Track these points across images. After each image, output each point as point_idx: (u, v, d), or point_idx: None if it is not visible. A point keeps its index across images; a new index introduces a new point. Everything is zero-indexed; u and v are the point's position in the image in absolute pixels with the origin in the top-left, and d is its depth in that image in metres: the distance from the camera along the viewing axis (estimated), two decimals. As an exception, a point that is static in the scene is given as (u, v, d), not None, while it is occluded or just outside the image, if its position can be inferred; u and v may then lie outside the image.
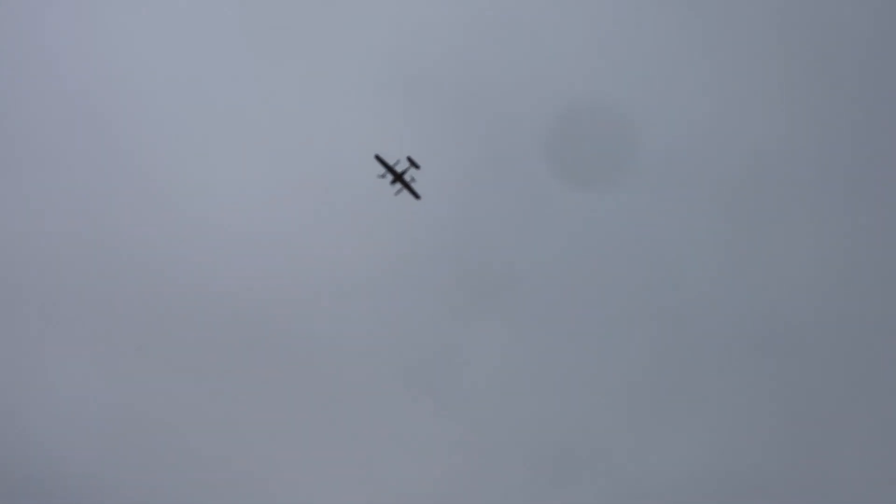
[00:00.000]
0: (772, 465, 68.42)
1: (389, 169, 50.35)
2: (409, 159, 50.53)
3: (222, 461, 64.47)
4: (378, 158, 50.34)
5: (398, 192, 51.13)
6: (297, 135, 66.19)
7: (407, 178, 50.69)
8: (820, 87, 69.97)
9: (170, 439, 63.98)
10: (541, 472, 68.95)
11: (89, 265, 64.86)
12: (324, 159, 65.20)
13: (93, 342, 64.13)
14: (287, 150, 66.28)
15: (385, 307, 68.36)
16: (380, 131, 61.38)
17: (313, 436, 66.45)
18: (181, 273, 65.33)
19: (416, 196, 51.46)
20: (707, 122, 70.45)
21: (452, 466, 68.09)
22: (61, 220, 64.76)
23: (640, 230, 71.24)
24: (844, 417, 68.32)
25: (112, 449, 62.94)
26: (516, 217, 70.27)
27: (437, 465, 67.80)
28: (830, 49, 69.79)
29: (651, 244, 71.50)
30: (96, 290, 64.78)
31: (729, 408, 69.80)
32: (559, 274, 70.95)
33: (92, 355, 63.87)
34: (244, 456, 64.95)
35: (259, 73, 67.16)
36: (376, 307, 68.08)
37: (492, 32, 69.27)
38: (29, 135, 65.08)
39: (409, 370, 68.94)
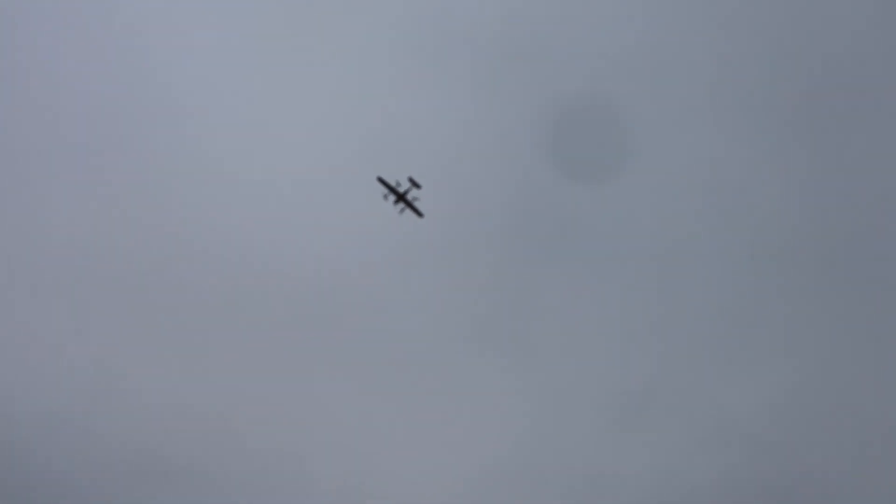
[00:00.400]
0: (857, 394, 67.37)
1: (392, 189, 52.90)
2: (411, 179, 52.98)
3: (303, 430, 65.91)
4: (380, 180, 52.91)
5: (402, 210, 53.72)
6: (346, 105, 67.19)
7: (409, 197, 53.21)
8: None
9: (252, 420, 65.87)
10: (622, 415, 68.82)
11: (149, 250, 66.93)
12: (369, 132, 66.54)
13: (154, 327, 66.36)
14: (332, 122, 67.16)
15: (445, 266, 68.64)
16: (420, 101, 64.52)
17: (389, 402, 67.44)
18: (250, 251, 66.95)
19: (420, 214, 53.95)
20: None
21: (533, 419, 68.25)
22: (119, 202, 67.05)
23: (702, 164, 70.30)
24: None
25: (198, 439, 65.20)
26: (576, 161, 69.95)
27: (518, 419, 68.06)
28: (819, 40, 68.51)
29: (714, 179, 70.48)
30: (164, 276, 66.79)
31: (811, 340, 68.60)
32: (623, 215, 70.37)
33: (157, 342, 66.13)
34: (325, 424, 66.24)
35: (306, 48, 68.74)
36: (436, 267, 68.36)
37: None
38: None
39: (477, 327, 69.17)
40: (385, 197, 53.24)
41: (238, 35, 68.21)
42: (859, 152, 69.21)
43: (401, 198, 53.30)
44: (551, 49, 70.05)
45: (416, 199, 53.33)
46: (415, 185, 53.01)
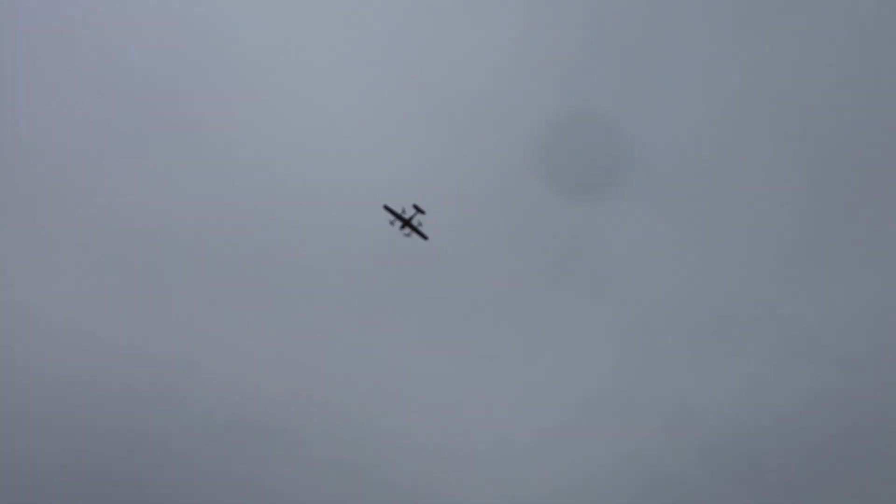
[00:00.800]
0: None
1: (398, 216, 57.51)
2: (415, 206, 57.51)
3: (392, 379, 68.32)
4: (386, 208, 57.54)
5: (408, 234, 58.14)
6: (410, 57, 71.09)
7: (414, 222, 57.72)
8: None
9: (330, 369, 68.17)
10: (706, 339, 69.10)
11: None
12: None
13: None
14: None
15: (509, 209, 70.74)
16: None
17: (475, 350, 69.59)
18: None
19: (424, 237, 58.37)
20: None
21: (617, 353, 69.41)
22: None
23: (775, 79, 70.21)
24: None
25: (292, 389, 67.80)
26: (640, 91, 71.18)
27: (602, 355, 69.26)
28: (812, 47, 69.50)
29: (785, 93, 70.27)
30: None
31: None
32: (686, 137, 70.67)
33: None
34: (412, 374, 68.33)
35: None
36: (503, 209, 70.45)
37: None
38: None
39: (553, 269, 70.72)
40: (392, 223, 57.63)
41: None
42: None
43: (406, 223, 57.72)
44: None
45: (420, 223, 57.69)
46: (419, 210, 57.47)
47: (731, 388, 68.55)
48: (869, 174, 69.15)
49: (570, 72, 71.36)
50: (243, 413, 65.82)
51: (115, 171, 69.29)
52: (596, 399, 68.62)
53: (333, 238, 68.91)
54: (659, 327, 70.19)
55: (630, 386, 69.24)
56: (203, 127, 70.38)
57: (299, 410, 66.54)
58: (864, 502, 65.90)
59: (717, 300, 70.06)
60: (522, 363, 69.86)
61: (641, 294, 70.85)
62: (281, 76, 71.26)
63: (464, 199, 69.50)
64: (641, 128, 71.31)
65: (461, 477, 67.23)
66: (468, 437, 68.26)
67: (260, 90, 71.48)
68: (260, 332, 67.85)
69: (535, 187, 70.79)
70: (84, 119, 69.93)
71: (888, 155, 68.89)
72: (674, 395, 68.94)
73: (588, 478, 67.62)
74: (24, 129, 68.70)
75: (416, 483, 66.62)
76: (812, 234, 69.97)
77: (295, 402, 66.73)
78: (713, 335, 69.64)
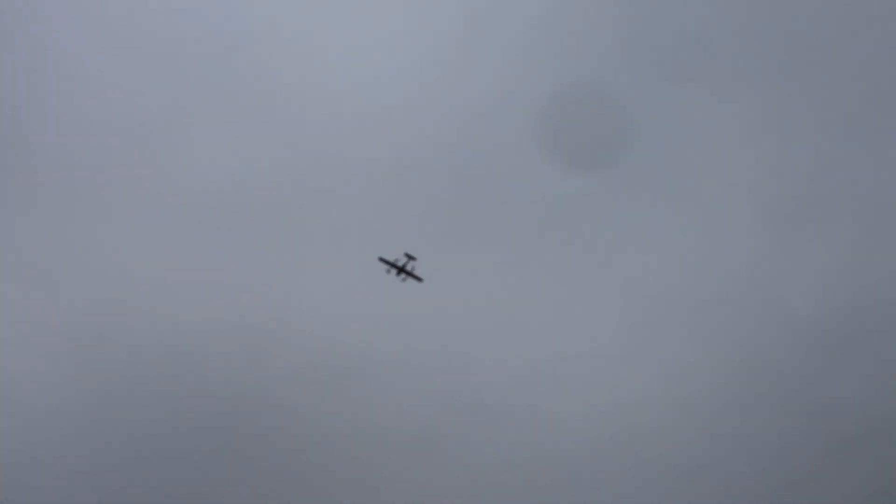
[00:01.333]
0: None
1: (392, 265, 63.56)
2: (407, 254, 63.28)
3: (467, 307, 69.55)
4: (381, 259, 63.74)
5: (404, 280, 64.28)
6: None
7: (408, 268, 63.75)
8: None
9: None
10: (783, 224, 67.89)
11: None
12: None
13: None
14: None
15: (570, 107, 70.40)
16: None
17: (549, 256, 70.17)
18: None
19: (419, 280, 64.35)
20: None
21: (690, 246, 68.70)
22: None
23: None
24: None
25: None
26: None
27: (675, 249, 68.83)
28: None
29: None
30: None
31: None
32: (747, 23, 69.00)
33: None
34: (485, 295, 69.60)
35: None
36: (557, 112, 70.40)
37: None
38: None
39: (613, 168, 70.13)
40: (387, 272, 64.02)
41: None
42: None
43: (401, 270, 63.89)
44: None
45: (413, 268, 63.78)
46: (410, 258, 63.48)
47: (819, 271, 66.74)
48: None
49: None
50: (343, 352, 67.68)
51: (202, 133, 71.02)
52: (681, 300, 67.99)
53: (402, 174, 70.62)
54: (735, 217, 68.57)
55: (714, 282, 68.18)
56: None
57: (393, 342, 68.63)
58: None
59: (792, 181, 67.84)
60: (601, 268, 69.73)
61: (715, 185, 69.08)
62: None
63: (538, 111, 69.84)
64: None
65: (552, 387, 68.56)
66: (557, 347, 68.92)
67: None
68: (344, 272, 68.88)
69: (600, 96, 70.31)
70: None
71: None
72: (760, 286, 67.60)
73: (681, 382, 67.68)
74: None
75: (508, 398, 68.25)
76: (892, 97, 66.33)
77: (388, 334, 68.77)
78: (792, 217, 67.73)
